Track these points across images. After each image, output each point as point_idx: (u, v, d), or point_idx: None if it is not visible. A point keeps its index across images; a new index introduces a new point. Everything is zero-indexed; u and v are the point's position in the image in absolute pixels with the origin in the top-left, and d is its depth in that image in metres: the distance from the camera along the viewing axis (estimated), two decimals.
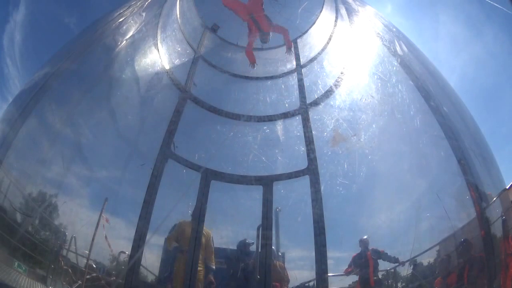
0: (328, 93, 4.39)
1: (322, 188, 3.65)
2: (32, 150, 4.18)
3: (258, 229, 3.52)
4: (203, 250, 3.49)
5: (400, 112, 4.36)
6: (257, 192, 3.70)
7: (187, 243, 3.47)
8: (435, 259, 3.69)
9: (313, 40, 5.05)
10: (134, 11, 5.14)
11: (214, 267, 3.51)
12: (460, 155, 4.20)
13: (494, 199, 4.24)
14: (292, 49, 4.82)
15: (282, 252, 3.58)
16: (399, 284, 3.71)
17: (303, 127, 4.07)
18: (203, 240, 3.50)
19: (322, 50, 4.88)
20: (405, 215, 3.83)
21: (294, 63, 4.79)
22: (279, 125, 4.21)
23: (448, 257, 3.73)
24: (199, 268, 3.44)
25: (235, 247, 3.59)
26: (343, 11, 5.29)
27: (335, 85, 4.45)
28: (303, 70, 4.66)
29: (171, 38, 4.93)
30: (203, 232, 3.52)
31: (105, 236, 3.41)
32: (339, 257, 3.64)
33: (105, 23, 5.16)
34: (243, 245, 3.54)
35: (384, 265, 3.59)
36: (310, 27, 5.05)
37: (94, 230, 3.42)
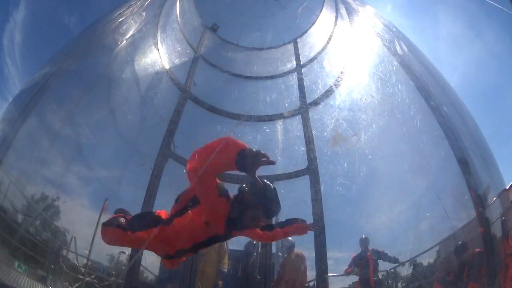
0: (328, 93, 4.39)
1: (322, 188, 3.65)
2: (32, 150, 4.17)
3: None
4: (217, 253, 3.53)
5: (400, 112, 4.35)
6: None
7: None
8: (435, 259, 3.69)
9: (313, 40, 5.05)
10: (134, 11, 5.14)
11: (225, 270, 3.53)
12: (460, 155, 4.19)
13: (494, 199, 4.24)
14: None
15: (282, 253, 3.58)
16: (399, 284, 3.71)
17: (303, 127, 4.07)
18: (216, 244, 3.49)
19: (322, 50, 4.88)
20: (405, 215, 3.83)
21: (294, 63, 4.79)
22: (279, 125, 4.21)
23: (447, 257, 3.72)
24: (210, 270, 3.49)
25: (235, 247, 3.60)
26: (343, 11, 5.29)
27: (335, 85, 4.45)
28: (303, 70, 4.66)
29: (171, 38, 4.92)
30: None
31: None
32: (339, 257, 3.64)
33: (105, 23, 5.15)
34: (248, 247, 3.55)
35: (384, 265, 3.59)
36: (310, 27, 5.05)
37: (94, 230, 3.41)
